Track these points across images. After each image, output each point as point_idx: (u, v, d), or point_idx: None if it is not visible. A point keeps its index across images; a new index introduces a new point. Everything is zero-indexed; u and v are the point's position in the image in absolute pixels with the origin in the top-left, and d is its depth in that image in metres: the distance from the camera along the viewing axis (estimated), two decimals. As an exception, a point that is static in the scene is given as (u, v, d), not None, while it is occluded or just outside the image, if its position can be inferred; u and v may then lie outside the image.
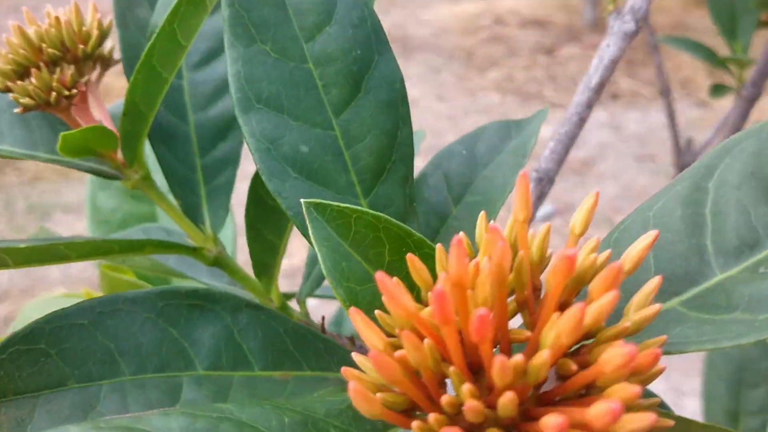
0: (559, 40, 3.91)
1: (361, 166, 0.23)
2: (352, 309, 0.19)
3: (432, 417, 0.19)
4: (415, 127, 0.25)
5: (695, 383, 1.38)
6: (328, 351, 0.25)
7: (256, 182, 0.31)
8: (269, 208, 0.30)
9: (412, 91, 3.71)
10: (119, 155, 0.31)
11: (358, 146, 0.24)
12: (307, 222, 0.20)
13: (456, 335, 0.19)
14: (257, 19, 0.23)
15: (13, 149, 0.30)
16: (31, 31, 0.31)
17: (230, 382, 0.21)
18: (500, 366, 0.17)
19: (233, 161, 0.33)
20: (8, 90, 0.32)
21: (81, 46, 0.31)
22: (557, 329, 0.19)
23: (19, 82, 0.31)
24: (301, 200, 0.21)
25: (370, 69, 0.24)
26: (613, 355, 0.18)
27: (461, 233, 0.19)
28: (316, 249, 0.20)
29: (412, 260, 0.20)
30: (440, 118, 3.46)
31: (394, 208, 0.24)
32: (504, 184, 0.29)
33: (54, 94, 0.30)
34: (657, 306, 0.21)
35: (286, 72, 0.23)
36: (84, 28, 0.31)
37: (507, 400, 0.18)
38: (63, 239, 0.24)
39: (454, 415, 0.19)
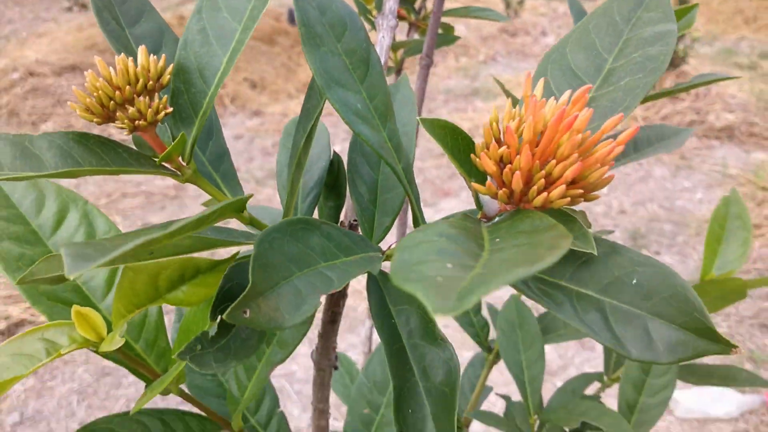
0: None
1: (379, 113, 0.33)
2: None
3: (502, 192, 0.30)
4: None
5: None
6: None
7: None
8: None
9: None
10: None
11: (375, 101, 0.33)
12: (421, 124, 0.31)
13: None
14: (317, 34, 0.30)
15: (95, 168, 0.32)
16: (130, 69, 0.36)
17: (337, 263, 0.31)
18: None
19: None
20: (110, 119, 0.37)
21: (154, 81, 0.37)
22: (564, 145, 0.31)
23: (119, 113, 0.37)
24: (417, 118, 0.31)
25: (370, 55, 0.33)
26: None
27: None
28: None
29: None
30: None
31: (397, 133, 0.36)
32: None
33: (149, 118, 0.36)
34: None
35: (337, 62, 0.31)
36: (159, 64, 0.37)
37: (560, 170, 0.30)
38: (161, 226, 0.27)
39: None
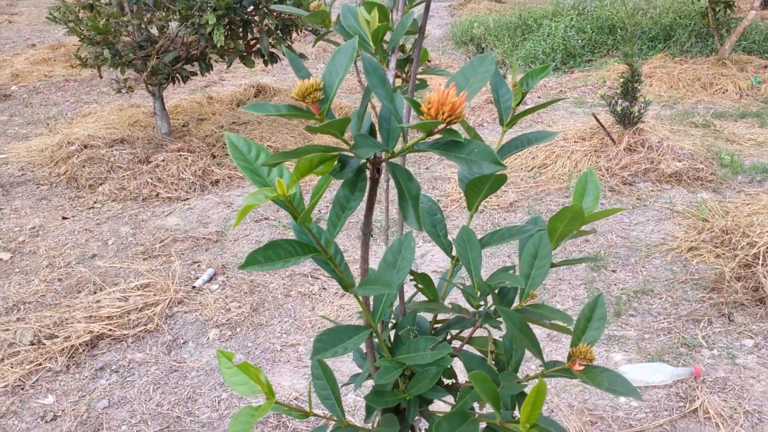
0: (147, 151, 4.54)
1: (389, 99, 0.95)
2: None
3: (429, 117, 0.90)
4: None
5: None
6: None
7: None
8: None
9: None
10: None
11: (389, 96, 0.94)
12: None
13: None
14: (368, 71, 0.92)
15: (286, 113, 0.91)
16: (309, 84, 0.92)
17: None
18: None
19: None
20: (304, 100, 0.92)
21: (318, 88, 0.93)
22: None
23: (306, 98, 0.92)
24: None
25: (386, 79, 0.93)
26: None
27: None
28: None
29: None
30: (72, 233, 3.72)
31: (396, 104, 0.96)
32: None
33: (317, 98, 0.92)
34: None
35: (374, 80, 0.91)
36: (318, 82, 0.94)
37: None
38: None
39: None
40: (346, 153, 0.95)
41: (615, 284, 3.08)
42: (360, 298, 1.06)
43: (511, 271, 1.36)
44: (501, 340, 1.24)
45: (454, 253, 1.38)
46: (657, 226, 3.58)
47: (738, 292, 2.90)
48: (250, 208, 0.92)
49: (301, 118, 0.93)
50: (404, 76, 1.30)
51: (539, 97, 6.13)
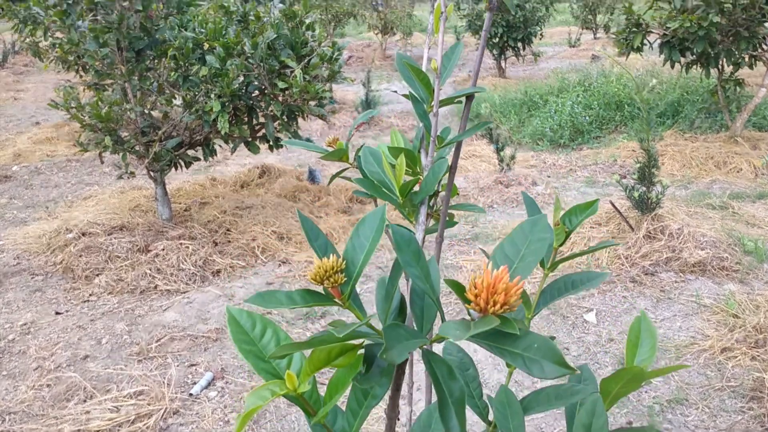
0: (147, 239, 4.38)
1: (425, 274, 0.78)
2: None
3: (477, 308, 0.72)
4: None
5: None
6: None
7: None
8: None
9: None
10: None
11: (422, 269, 0.77)
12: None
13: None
14: (400, 248, 0.75)
15: (311, 303, 0.72)
16: (329, 263, 0.75)
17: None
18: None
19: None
20: (322, 282, 0.74)
21: (339, 268, 0.76)
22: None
23: (325, 280, 0.75)
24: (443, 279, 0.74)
25: (420, 251, 0.77)
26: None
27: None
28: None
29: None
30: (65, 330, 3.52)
31: (434, 284, 0.78)
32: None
33: (338, 282, 0.75)
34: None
35: (407, 255, 0.74)
36: (340, 262, 0.77)
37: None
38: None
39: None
40: (372, 340, 0.78)
41: (646, 391, 2.84)
42: None
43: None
44: None
45: (490, 417, 1.18)
46: (685, 323, 3.36)
47: (782, 403, 2.67)
48: (253, 411, 0.74)
49: (318, 305, 0.76)
50: (431, 212, 1.14)
51: (549, 177, 6.01)
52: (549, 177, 6.01)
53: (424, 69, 1.17)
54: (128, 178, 4.39)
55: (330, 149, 1.18)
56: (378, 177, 1.00)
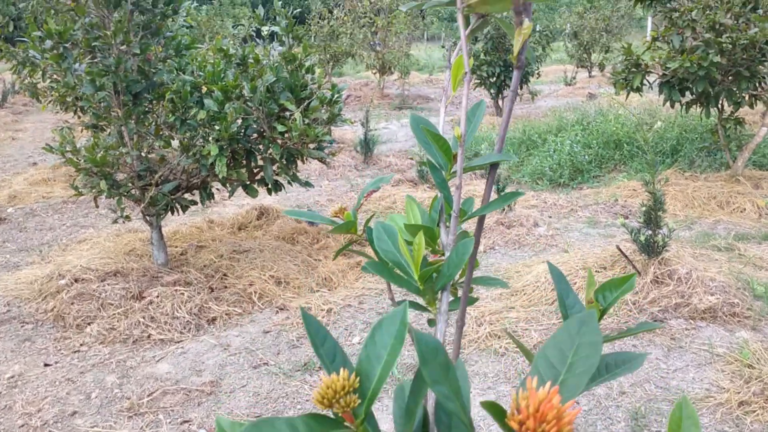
0: (141, 285, 4.26)
1: (454, 391, 0.68)
2: None
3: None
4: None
5: None
6: None
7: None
8: None
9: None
10: None
11: (454, 388, 0.67)
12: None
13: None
14: (427, 361, 0.65)
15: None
16: (340, 381, 0.64)
17: None
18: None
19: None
20: (331, 406, 0.64)
21: (351, 386, 0.65)
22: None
23: (335, 403, 0.64)
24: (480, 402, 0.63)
25: (449, 362, 0.68)
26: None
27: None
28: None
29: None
30: (55, 384, 3.38)
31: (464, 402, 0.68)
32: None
33: (351, 405, 0.65)
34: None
35: (435, 371, 0.65)
36: (352, 378, 0.67)
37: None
38: None
39: None
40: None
41: (662, 450, 2.71)
42: None
43: None
44: None
45: None
46: (698, 374, 3.24)
47: (806, 463, 2.54)
48: None
49: None
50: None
51: (550, 217, 5.94)
52: (550, 217, 5.93)
53: (440, 128, 1.08)
54: (123, 222, 4.29)
55: (337, 220, 1.09)
56: (393, 258, 0.91)
